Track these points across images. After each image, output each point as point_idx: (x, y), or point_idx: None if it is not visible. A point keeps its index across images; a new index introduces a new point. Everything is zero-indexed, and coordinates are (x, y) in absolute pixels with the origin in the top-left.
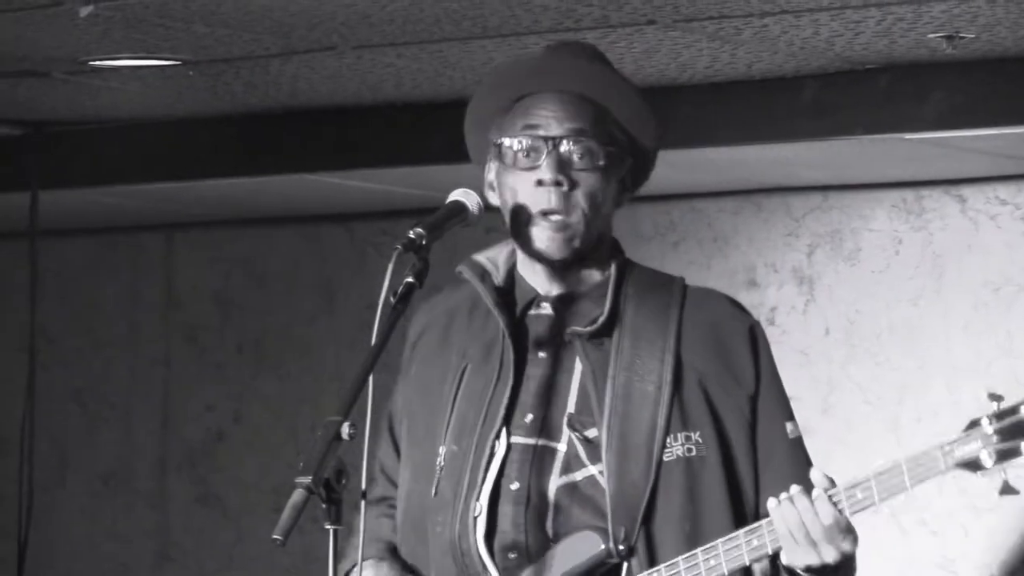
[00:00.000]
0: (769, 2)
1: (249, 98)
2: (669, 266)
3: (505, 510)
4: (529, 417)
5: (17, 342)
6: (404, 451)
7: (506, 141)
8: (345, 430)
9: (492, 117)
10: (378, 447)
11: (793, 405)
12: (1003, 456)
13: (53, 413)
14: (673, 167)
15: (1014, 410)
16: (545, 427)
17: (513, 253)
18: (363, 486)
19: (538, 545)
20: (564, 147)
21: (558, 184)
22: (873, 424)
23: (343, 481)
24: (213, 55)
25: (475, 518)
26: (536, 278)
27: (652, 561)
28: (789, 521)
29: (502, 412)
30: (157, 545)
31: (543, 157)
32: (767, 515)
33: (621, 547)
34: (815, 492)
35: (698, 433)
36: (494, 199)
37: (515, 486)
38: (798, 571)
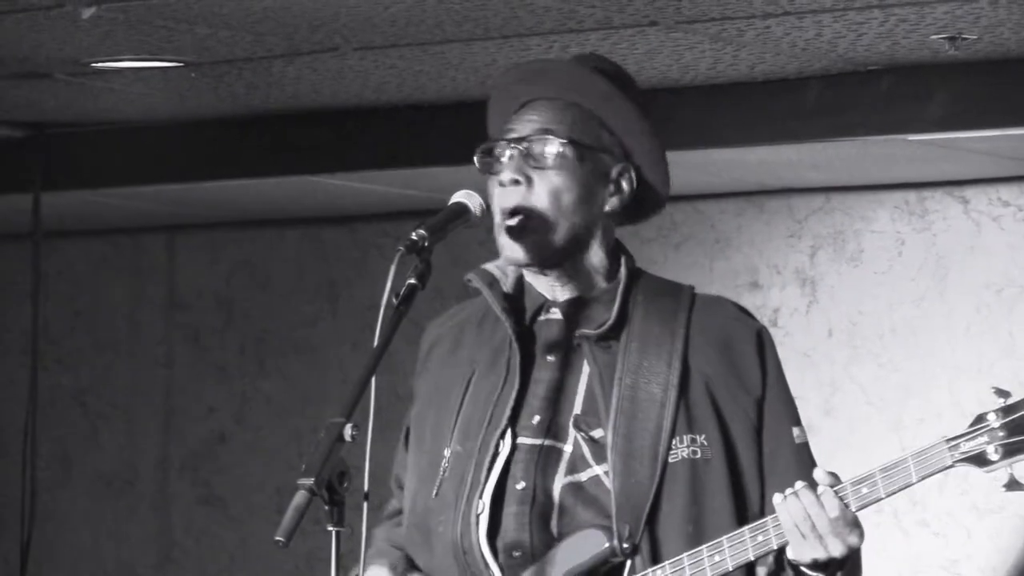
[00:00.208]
0: (772, 3)
1: (252, 100)
2: (671, 267)
3: (509, 509)
4: (536, 419)
5: (20, 343)
6: (413, 458)
7: (480, 148)
8: (348, 431)
9: (500, 124)
10: (395, 461)
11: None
12: (1010, 452)
13: (56, 414)
14: (675, 168)
15: (1021, 406)
16: (552, 428)
17: None
18: (366, 487)
19: (542, 544)
20: (525, 146)
21: (515, 183)
22: (875, 425)
23: (345, 483)
24: (215, 57)
25: (477, 516)
26: (542, 284)
27: (655, 560)
28: (795, 515)
29: (507, 413)
30: (159, 546)
31: (505, 159)
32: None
33: (625, 545)
34: (820, 487)
35: (703, 436)
36: None
37: (521, 485)
38: (803, 568)
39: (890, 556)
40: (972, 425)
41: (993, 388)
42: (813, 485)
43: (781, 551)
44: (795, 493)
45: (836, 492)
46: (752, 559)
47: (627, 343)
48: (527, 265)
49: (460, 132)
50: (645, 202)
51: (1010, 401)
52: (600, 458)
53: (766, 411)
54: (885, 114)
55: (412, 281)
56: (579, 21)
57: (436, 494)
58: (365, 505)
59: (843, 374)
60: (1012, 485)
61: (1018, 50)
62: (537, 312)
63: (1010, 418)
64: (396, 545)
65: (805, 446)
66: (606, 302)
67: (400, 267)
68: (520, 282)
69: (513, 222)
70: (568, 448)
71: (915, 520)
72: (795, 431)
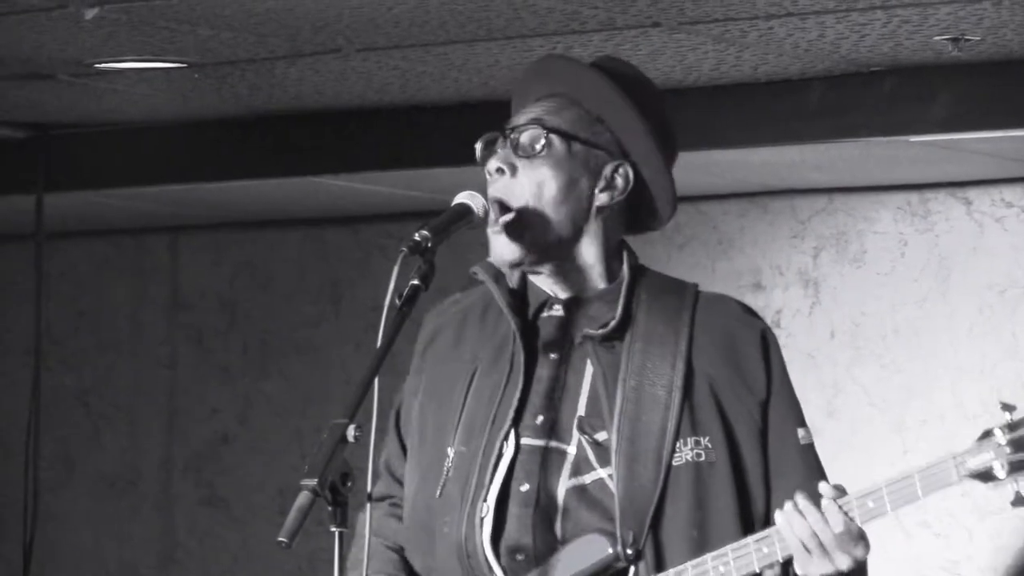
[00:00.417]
0: (775, 4)
1: (254, 100)
2: (674, 268)
3: (513, 512)
4: (539, 419)
5: (22, 344)
6: (414, 453)
7: (482, 139)
8: (351, 432)
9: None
10: (384, 445)
11: None
12: (1016, 467)
13: (58, 415)
14: (678, 169)
15: None
16: (555, 429)
17: None
18: (369, 488)
19: (545, 547)
20: (514, 136)
21: (500, 171)
22: (878, 426)
23: (348, 484)
24: (218, 58)
25: (481, 519)
26: (543, 280)
27: (659, 566)
28: (800, 532)
29: (511, 413)
30: (162, 547)
31: (496, 148)
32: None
33: (629, 551)
34: (824, 501)
35: (707, 438)
36: None
37: (525, 488)
38: None
39: (891, 557)
40: (978, 440)
41: (1000, 403)
42: (817, 496)
43: (788, 562)
44: (798, 509)
45: (840, 506)
46: (757, 571)
47: (631, 343)
48: (515, 265)
49: (463, 133)
50: (644, 205)
51: (1016, 416)
52: (604, 461)
53: (771, 413)
54: (888, 115)
55: (415, 282)
56: (582, 22)
57: (440, 494)
58: (368, 506)
59: (845, 375)
60: (1019, 501)
61: (1021, 51)
62: (540, 308)
63: (1016, 433)
64: (392, 547)
65: (811, 447)
66: (609, 301)
67: (403, 268)
68: (525, 277)
69: (498, 227)
70: (572, 450)
71: (916, 521)
72: (800, 432)
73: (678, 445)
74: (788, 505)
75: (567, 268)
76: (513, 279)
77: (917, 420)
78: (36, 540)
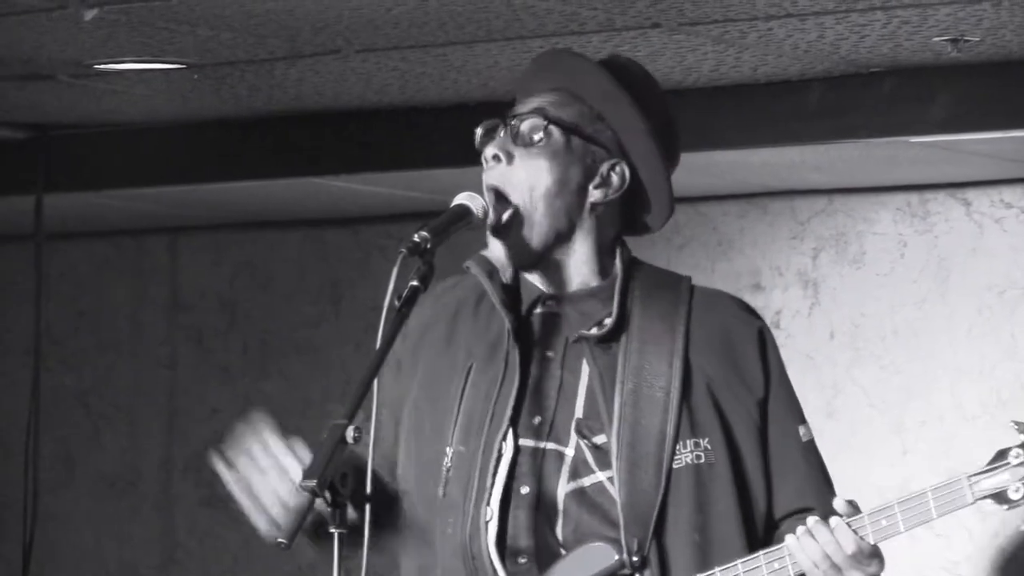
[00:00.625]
0: (774, 5)
1: (254, 101)
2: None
3: (516, 514)
4: (537, 419)
5: (22, 345)
6: (411, 449)
7: (482, 125)
8: (350, 433)
9: None
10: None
11: None
12: None
13: (58, 415)
14: (678, 170)
15: None
16: (553, 430)
17: None
18: (368, 488)
19: (547, 550)
20: (514, 124)
21: (496, 159)
22: (878, 427)
23: (348, 484)
24: (218, 58)
25: (486, 523)
26: (537, 277)
27: (664, 572)
28: (812, 554)
29: (508, 413)
30: (162, 547)
31: (495, 135)
32: (776, 521)
33: (635, 559)
34: (834, 521)
35: (707, 440)
36: None
37: (525, 490)
38: None
39: (891, 557)
40: (992, 462)
41: (1013, 422)
42: (823, 498)
43: None
44: (809, 532)
45: (851, 524)
46: None
47: (627, 343)
48: (512, 266)
49: (462, 134)
50: (639, 205)
51: None
52: (603, 464)
53: (770, 411)
54: (887, 116)
55: (414, 283)
56: (581, 23)
57: (443, 495)
58: (368, 506)
59: (845, 376)
60: None
61: (1020, 52)
62: (533, 304)
63: None
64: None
65: (812, 444)
66: (602, 298)
67: (402, 269)
68: (518, 272)
69: (492, 222)
70: (570, 452)
71: None
72: (801, 429)
73: (678, 448)
74: (800, 529)
75: (561, 264)
76: (507, 274)
77: (916, 421)
78: (36, 540)
